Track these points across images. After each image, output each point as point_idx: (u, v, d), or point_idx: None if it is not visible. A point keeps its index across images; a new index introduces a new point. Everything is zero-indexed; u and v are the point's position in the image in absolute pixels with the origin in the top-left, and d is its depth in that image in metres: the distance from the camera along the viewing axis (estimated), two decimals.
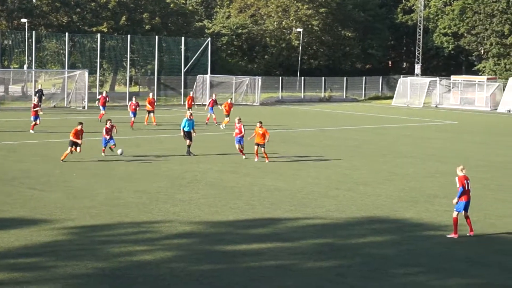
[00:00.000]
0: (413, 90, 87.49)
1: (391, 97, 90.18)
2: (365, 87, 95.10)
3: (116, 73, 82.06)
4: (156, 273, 16.88)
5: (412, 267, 18.17)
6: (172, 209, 23.61)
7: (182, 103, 72.99)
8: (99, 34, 72.50)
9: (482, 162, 36.40)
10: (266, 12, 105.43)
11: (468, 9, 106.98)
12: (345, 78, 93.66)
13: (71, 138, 32.89)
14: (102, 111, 52.11)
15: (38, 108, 44.73)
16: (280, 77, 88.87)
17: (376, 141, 45.56)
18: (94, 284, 16.04)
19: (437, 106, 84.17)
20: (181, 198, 25.52)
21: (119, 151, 34.11)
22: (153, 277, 16.59)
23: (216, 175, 30.48)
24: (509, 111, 78.31)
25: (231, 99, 56.68)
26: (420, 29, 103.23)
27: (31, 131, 43.63)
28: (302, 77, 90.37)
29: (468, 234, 21.20)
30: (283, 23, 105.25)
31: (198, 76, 77.00)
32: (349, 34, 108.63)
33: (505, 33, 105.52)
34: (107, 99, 53.43)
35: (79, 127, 33.18)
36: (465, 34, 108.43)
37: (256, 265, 17.82)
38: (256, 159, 34.12)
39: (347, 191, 27.86)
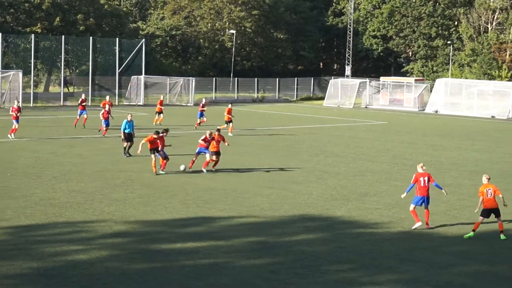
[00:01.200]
0: (343, 91, 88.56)
1: (322, 98, 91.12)
2: (297, 88, 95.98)
3: (50, 73, 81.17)
4: (91, 272, 16.91)
5: (343, 263, 18.51)
6: (107, 209, 23.64)
7: (117, 103, 72.61)
8: (33, 34, 71.65)
9: (410, 162, 37.08)
10: (200, 14, 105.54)
11: (396, 12, 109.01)
12: (277, 79, 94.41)
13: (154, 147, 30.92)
14: (84, 115, 48.56)
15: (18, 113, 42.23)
16: (214, 78, 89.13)
17: (308, 141, 46.11)
18: (29, 284, 16.02)
19: (367, 106, 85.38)
20: (116, 197, 25.55)
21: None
22: (88, 276, 16.62)
23: (151, 175, 30.52)
24: (436, 112, 79.91)
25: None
26: (350, 32, 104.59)
27: (12, 135, 41.53)
28: (236, 78, 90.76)
29: (424, 227, 22.27)
30: (217, 24, 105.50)
31: (132, 77, 76.79)
32: (281, 36, 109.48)
33: (432, 36, 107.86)
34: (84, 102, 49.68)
35: (155, 136, 30.89)
36: (394, 37, 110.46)
37: (191, 263, 17.99)
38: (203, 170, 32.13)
39: (280, 190, 28.19)
